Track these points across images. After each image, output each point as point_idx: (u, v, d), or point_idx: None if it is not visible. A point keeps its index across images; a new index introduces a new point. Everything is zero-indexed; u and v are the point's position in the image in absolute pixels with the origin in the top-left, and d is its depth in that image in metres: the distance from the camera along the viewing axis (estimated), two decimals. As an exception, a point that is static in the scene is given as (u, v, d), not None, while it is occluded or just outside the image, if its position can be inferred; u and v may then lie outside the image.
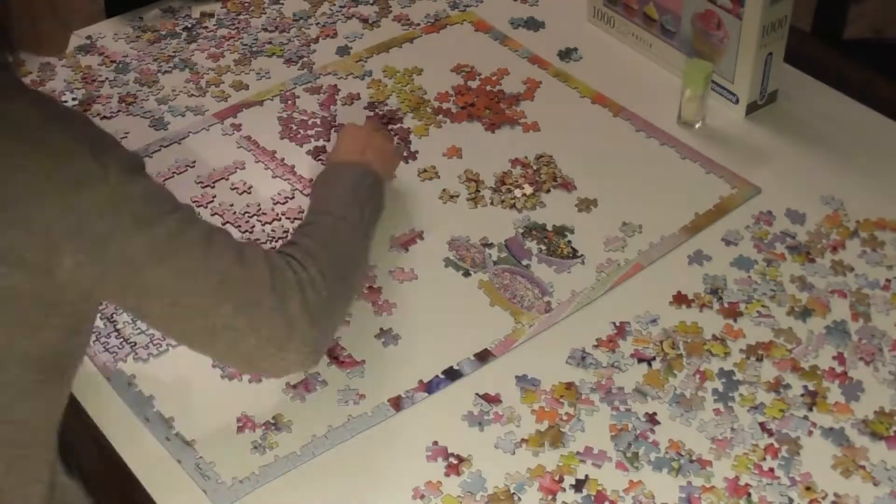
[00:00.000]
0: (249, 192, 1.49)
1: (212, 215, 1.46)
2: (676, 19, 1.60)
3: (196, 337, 1.09)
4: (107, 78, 1.72)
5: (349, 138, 1.41)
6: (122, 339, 1.31)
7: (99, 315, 1.32)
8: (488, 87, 1.65)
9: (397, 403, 1.23)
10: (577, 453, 1.17)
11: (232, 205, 1.48)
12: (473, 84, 1.66)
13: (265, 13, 1.83)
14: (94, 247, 0.97)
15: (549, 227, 1.42)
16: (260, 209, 1.47)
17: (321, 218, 1.25)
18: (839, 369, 1.24)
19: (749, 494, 1.13)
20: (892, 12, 2.88)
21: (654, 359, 1.26)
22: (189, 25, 1.82)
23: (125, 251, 0.98)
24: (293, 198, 1.48)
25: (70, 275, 0.96)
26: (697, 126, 1.56)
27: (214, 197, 1.49)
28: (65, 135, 0.96)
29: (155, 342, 1.30)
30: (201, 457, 1.18)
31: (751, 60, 1.52)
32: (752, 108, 1.57)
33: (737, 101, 1.57)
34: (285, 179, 1.51)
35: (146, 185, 1.01)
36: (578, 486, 1.14)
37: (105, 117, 1.64)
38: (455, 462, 1.17)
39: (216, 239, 1.06)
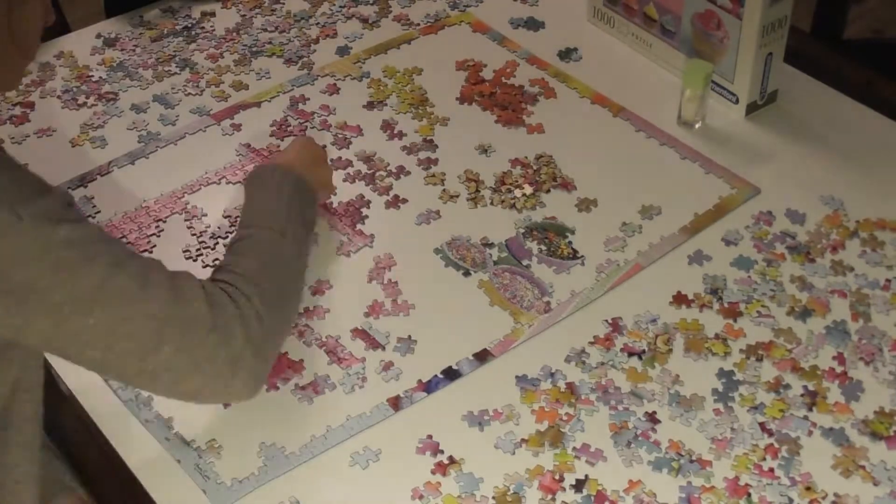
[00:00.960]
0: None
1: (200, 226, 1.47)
2: (676, 19, 1.60)
3: (134, 379, 1.06)
4: (106, 77, 1.72)
5: (302, 149, 1.40)
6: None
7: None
8: (503, 80, 1.66)
9: (396, 403, 1.23)
10: (576, 453, 1.17)
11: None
12: (484, 76, 1.67)
13: (273, 12, 1.83)
14: (11, 297, 0.94)
15: (549, 228, 1.42)
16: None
17: (260, 233, 1.21)
18: (839, 369, 1.24)
19: (749, 494, 1.12)
20: (892, 12, 2.88)
21: (643, 352, 1.26)
22: (189, 25, 1.82)
23: (48, 300, 0.95)
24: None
25: None
26: (697, 126, 1.56)
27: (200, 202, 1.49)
28: None
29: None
30: (201, 457, 1.18)
31: (751, 60, 1.51)
32: (752, 108, 1.57)
33: (737, 101, 1.57)
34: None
35: (70, 231, 0.97)
36: (578, 486, 1.14)
37: (103, 111, 1.64)
38: (445, 462, 1.17)
39: (149, 279, 1.02)
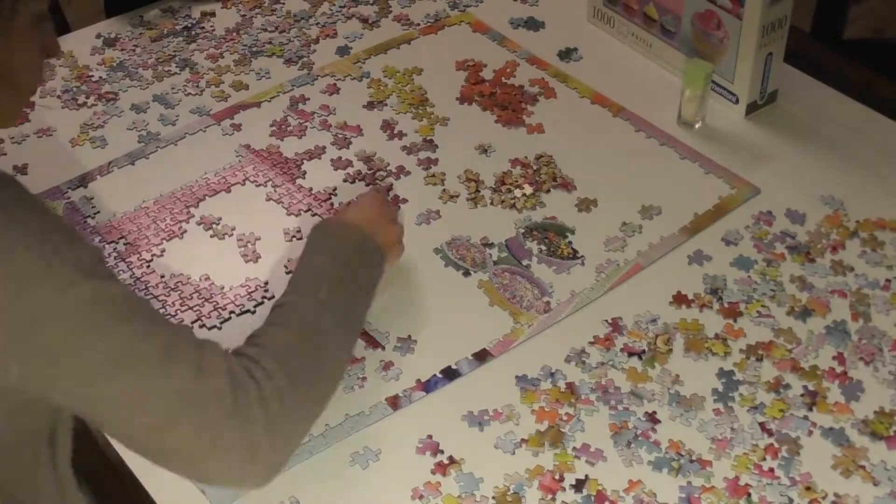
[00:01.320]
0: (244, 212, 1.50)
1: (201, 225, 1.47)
2: (676, 19, 1.60)
3: (153, 455, 1.00)
4: (106, 77, 1.72)
5: (367, 206, 1.30)
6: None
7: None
8: (503, 80, 1.66)
9: (395, 403, 1.23)
10: (576, 453, 1.17)
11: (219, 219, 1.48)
12: (484, 76, 1.67)
13: (273, 12, 1.83)
14: (41, 355, 0.91)
15: (549, 228, 1.42)
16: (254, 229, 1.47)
17: (301, 301, 1.14)
18: (839, 369, 1.24)
19: (749, 494, 1.12)
20: (893, 12, 2.88)
21: (643, 352, 1.26)
22: (189, 25, 1.82)
23: (76, 362, 0.92)
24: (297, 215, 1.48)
25: (17, 381, 0.92)
26: (697, 126, 1.56)
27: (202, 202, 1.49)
28: (8, 229, 0.90)
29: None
30: (200, 457, 1.18)
31: (751, 60, 1.51)
32: (752, 108, 1.57)
33: (737, 101, 1.57)
34: (278, 186, 1.51)
35: (100, 288, 0.94)
36: (578, 485, 1.14)
37: (103, 111, 1.64)
38: (445, 462, 1.17)
39: (174, 351, 0.97)
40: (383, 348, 1.29)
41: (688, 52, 1.61)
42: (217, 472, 1.00)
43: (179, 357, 0.97)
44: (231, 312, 1.34)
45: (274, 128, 1.60)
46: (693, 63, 1.54)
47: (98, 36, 1.81)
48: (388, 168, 1.52)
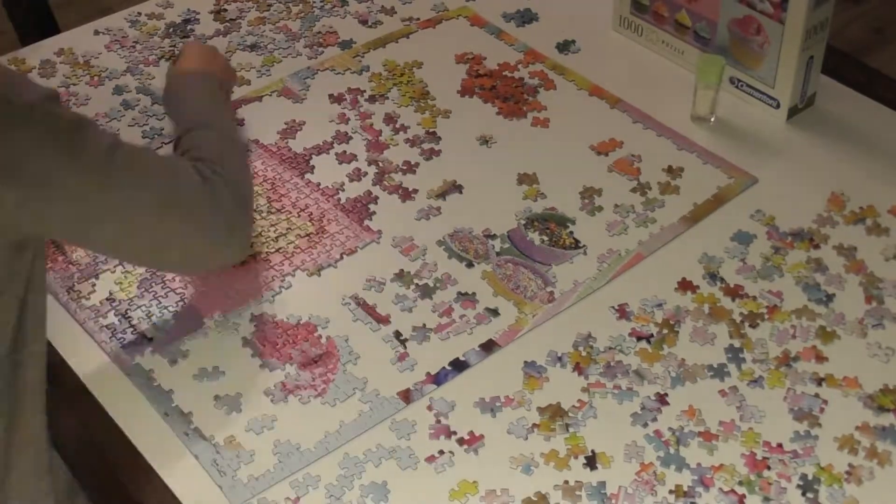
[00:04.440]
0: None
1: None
2: (712, 25, 1.58)
3: (146, 254, 1.17)
4: (107, 74, 1.73)
5: (194, 53, 1.46)
6: (138, 335, 1.31)
7: (113, 311, 1.34)
8: (503, 73, 1.67)
9: (407, 396, 1.24)
10: (587, 436, 1.19)
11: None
12: (483, 69, 1.69)
13: (271, 7, 1.84)
14: (34, 183, 1.00)
15: (550, 218, 1.44)
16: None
17: (196, 132, 1.29)
18: (847, 347, 1.26)
19: (761, 471, 1.15)
20: (893, 12, 2.87)
21: (651, 336, 1.28)
22: (189, 19, 1.82)
23: (67, 184, 1.03)
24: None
25: (12, 212, 1.00)
26: (712, 121, 1.57)
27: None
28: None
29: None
30: (218, 452, 1.19)
31: (794, 64, 1.50)
32: (793, 112, 1.56)
33: (778, 106, 1.56)
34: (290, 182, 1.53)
35: (67, 114, 1.05)
36: (590, 464, 1.16)
37: (104, 114, 1.65)
38: (458, 443, 1.19)
39: (146, 155, 1.15)
40: (389, 322, 1.31)
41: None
42: (205, 251, 1.20)
43: (151, 159, 1.15)
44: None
45: (276, 121, 1.61)
46: (706, 58, 1.54)
47: (97, 32, 1.81)
48: (391, 161, 1.54)
